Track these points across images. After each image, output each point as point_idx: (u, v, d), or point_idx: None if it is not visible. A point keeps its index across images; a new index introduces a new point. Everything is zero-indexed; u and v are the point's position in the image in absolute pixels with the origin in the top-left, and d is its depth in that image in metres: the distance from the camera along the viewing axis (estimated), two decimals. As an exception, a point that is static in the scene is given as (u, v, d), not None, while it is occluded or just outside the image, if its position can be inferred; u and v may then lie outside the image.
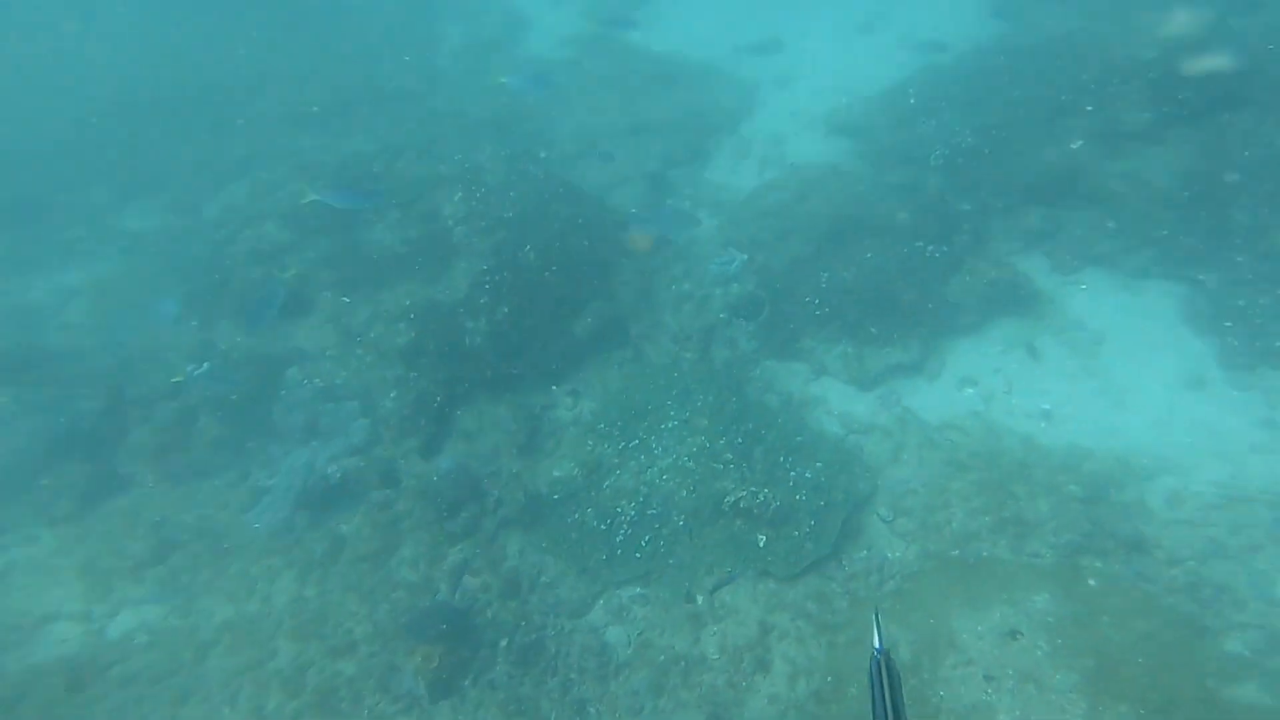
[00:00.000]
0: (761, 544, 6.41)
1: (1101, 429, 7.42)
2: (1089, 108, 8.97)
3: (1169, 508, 6.25)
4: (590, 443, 7.55)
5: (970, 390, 8.18)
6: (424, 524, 6.87)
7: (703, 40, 14.44)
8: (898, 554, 6.36)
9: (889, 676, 1.92)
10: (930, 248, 8.83)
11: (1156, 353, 7.94)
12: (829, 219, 9.27)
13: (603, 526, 6.85)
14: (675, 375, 8.19)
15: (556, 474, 7.33)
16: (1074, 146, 8.87)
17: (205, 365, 7.60)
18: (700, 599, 6.32)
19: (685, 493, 6.92)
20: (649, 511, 6.87)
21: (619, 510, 6.92)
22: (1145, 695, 4.46)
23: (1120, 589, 5.37)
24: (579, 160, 11.93)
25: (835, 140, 11.64)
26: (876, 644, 1.99)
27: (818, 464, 7.14)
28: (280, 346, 8.64)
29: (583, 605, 6.53)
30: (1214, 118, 8.51)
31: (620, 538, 6.76)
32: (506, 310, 8.28)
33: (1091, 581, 5.47)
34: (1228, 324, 7.83)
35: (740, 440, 7.33)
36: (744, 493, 6.55)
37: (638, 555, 6.66)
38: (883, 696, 1.88)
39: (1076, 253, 8.84)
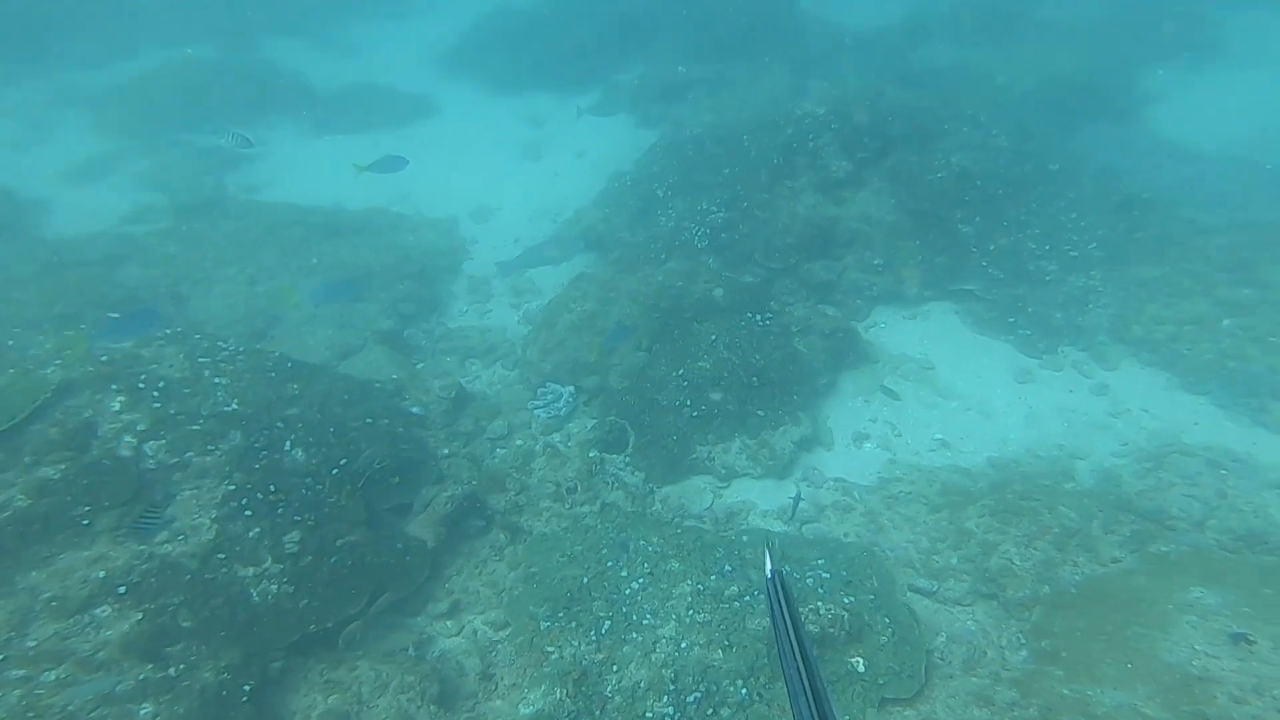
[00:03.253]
0: (862, 668, 5.19)
1: (993, 439, 8.42)
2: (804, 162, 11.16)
3: (1111, 485, 7.30)
4: (551, 649, 5.46)
5: (868, 444, 8.54)
6: None
7: (335, 191, 13.51)
8: (977, 619, 5.91)
9: (784, 594, 2.21)
10: (758, 318, 9.32)
11: (977, 362, 9.56)
12: (649, 317, 9.07)
13: (641, 750, 4.85)
14: (588, 534, 6.60)
15: (528, 711, 5.16)
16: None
17: None
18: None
19: (722, 652, 5.37)
20: (690, 698, 5.10)
21: (649, 716, 5.02)
22: None
23: (1219, 562, 5.87)
24: (263, 341, 9.47)
25: (583, 253, 11.86)
26: (769, 569, 2.32)
27: (819, 561, 6.32)
28: None
29: None
30: (889, 158, 11.38)
31: (673, 752, 4.85)
32: (298, 535, 5.61)
33: (1194, 566, 5.84)
34: (1011, 320, 9.92)
35: (730, 568, 6.09)
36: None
37: (711, 760, 4.83)
38: (782, 614, 2.15)
39: (861, 295, 10.45)
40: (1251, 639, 4.78)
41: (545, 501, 7.14)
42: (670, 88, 16.07)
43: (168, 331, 7.23)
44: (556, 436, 8.37)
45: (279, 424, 6.56)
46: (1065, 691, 4.78)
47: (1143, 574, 5.84)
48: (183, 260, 10.42)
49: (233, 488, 5.86)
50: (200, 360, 6.95)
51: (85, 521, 5.34)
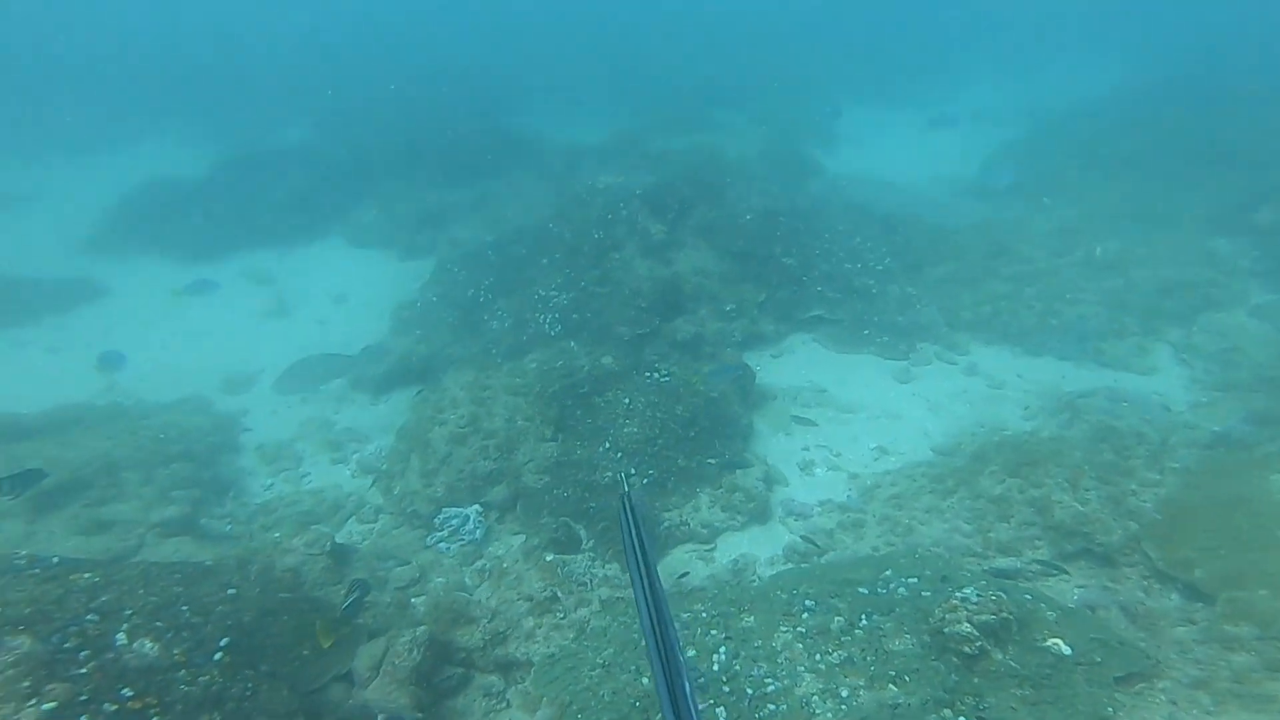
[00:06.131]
0: (1067, 650, 4.69)
1: (917, 435, 9.03)
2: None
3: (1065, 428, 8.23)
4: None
5: (818, 470, 8.50)
6: None
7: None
8: (1086, 581, 5.98)
9: (634, 512, 2.67)
10: (655, 375, 9.03)
11: (857, 375, 10.37)
12: (540, 404, 8.28)
13: None
14: (606, 635, 5.53)
15: None
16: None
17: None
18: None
19: (895, 686, 4.57)
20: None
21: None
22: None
23: (1245, 458, 6.77)
24: None
25: (400, 388, 10.63)
26: (624, 489, 2.85)
27: (886, 574, 5.83)
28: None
29: None
30: (691, 217, 12.30)
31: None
32: None
33: (1234, 465, 6.62)
34: (865, 332, 10.98)
35: (811, 604, 5.39)
36: (951, 614, 4.79)
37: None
38: (630, 528, 2.61)
39: (728, 342, 10.71)
40: None
41: (529, 621, 5.71)
42: (429, 215, 16.08)
43: None
44: (480, 563, 6.92)
45: (90, 617, 4.48)
46: (1298, 607, 4.87)
47: (1207, 481, 6.36)
48: None
49: (53, 705, 3.76)
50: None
51: None
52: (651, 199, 12.04)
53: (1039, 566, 6.19)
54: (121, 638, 4.42)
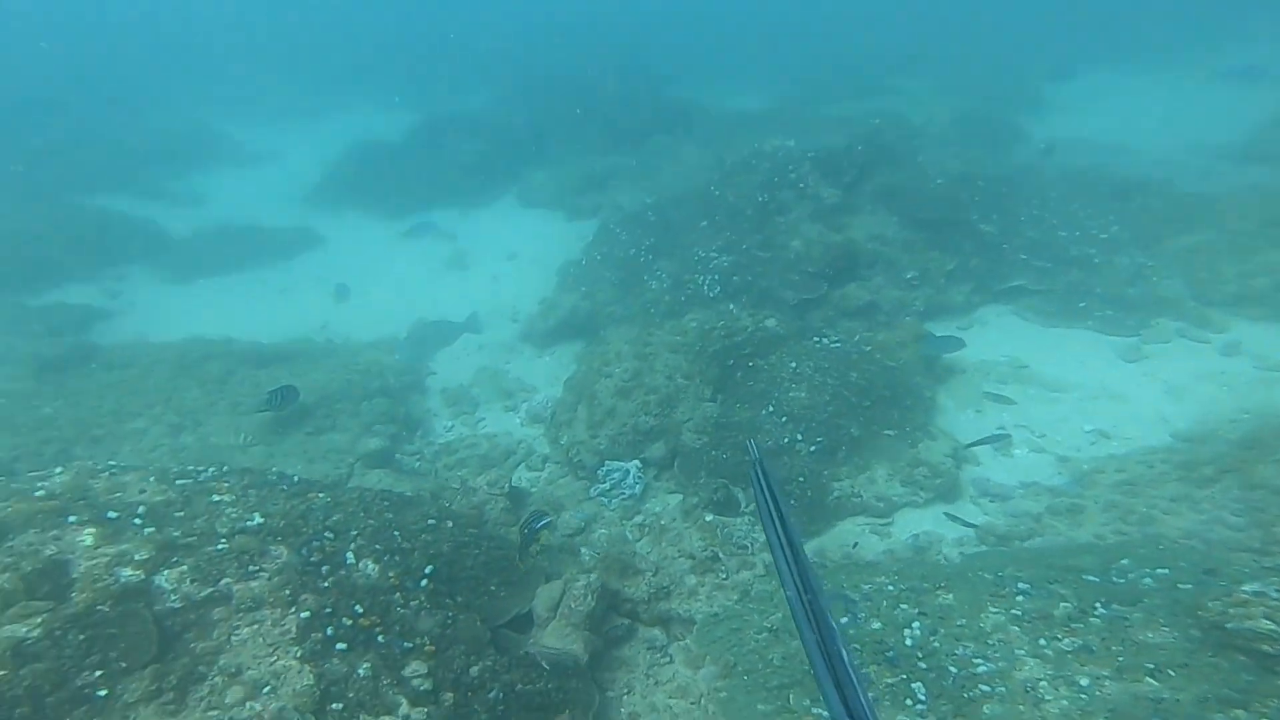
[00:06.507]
0: None
1: (1150, 419, 8.19)
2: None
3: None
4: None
5: (1018, 451, 7.97)
6: None
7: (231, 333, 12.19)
8: None
9: (765, 476, 2.69)
10: (821, 340, 8.86)
11: (1068, 351, 9.56)
12: (700, 363, 8.36)
13: None
14: (774, 600, 5.58)
15: None
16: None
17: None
18: None
19: (1155, 679, 4.30)
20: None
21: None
22: None
23: None
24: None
25: (564, 343, 11.12)
26: (755, 453, 2.88)
27: (1123, 562, 5.38)
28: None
29: None
30: (871, 181, 11.71)
31: None
32: (423, 667, 4.55)
33: None
34: (1081, 305, 10.09)
35: (1025, 586, 5.17)
36: (1238, 608, 4.36)
37: None
38: (763, 490, 2.63)
39: (908, 311, 10.22)
40: None
41: (690, 578, 5.88)
42: (592, 178, 16.90)
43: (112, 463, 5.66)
44: (639, 519, 7.19)
45: (327, 534, 5.10)
46: None
47: None
48: (67, 421, 8.56)
49: (308, 614, 4.33)
50: (179, 483, 5.41)
51: (102, 692, 3.66)
52: (824, 163, 11.62)
53: None
54: (350, 557, 4.99)
